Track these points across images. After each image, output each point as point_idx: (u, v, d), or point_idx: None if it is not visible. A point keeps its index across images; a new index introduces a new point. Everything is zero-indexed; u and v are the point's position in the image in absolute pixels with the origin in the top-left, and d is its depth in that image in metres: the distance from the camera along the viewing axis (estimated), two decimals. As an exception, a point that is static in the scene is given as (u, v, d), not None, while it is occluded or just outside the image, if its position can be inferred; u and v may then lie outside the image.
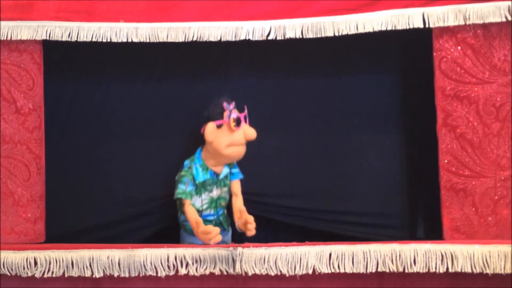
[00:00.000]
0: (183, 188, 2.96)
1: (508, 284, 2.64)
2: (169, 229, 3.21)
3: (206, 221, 3.02)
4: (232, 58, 3.22)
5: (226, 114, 2.94)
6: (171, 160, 3.17)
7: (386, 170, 3.19)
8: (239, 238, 3.07)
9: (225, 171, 3.08)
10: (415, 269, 2.63)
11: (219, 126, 2.94)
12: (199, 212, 3.02)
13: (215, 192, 3.07)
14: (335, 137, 3.23)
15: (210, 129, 2.93)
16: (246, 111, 2.99)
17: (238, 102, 3.24)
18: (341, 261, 2.65)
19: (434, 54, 2.83)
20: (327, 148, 3.23)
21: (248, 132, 2.96)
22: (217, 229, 2.78)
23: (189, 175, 2.99)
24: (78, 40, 2.89)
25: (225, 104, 2.94)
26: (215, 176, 3.05)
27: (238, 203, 3.05)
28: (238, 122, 2.93)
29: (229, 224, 3.17)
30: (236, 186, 3.11)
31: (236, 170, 3.13)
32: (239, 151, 2.99)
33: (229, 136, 2.93)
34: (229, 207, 3.12)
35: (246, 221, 2.90)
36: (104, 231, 3.20)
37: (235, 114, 2.93)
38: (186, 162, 3.05)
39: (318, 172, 3.26)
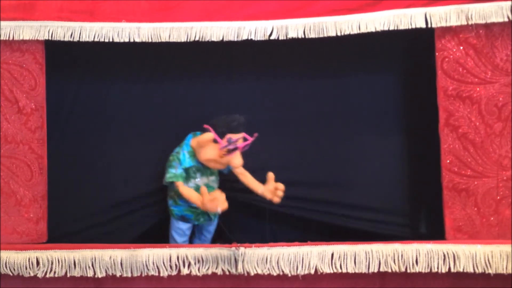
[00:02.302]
0: (173, 172, 2.98)
1: (510, 284, 2.64)
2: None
3: (192, 208, 3.05)
4: (234, 58, 3.22)
5: (225, 140, 2.94)
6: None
7: (389, 170, 3.18)
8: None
9: None
10: (417, 269, 2.63)
11: (215, 141, 2.96)
12: (186, 202, 3.02)
13: (201, 181, 3.07)
14: (338, 137, 3.22)
15: (205, 138, 2.96)
16: (250, 140, 2.97)
17: (238, 103, 3.25)
18: (343, 261, 2.65)
19: (436, 54, 2.82)
20: (330, 149, 3.23)
21: (234, 162, 2.97)
22: (222, 195, 2.81)
23: (177, 159, 3.02)
24: (80, 40, 2.88)
25: (229, 138, 2.93)
26: (200, 164, 3.05)
27: (250, 179, 3.09)
28: (230, 151, 2.94)
29: (216, 214, 3.15)
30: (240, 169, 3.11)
31: None
32: (217, 166, 3.04)
33: (214, 155, 2.97)
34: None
35: (276, 188, 2.97)
36: (106, 231, 3.20)
37: (232, 146, 2.93)
38: (176, 149, 3.07)
39: (320, 172, 3.25)
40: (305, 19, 2.81)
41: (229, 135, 2.93)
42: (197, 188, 3.01)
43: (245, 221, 3.30)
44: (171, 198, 3.09)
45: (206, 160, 2.99)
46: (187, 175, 3.04)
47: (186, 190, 2.97)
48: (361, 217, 3.20)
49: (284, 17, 2.82)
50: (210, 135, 2.95)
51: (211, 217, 3.14)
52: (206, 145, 2.97)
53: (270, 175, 3.00)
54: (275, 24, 2.82)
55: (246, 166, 3.12)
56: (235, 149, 2.94)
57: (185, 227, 3.11)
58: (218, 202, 2.80)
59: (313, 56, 3.18)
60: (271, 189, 3.00)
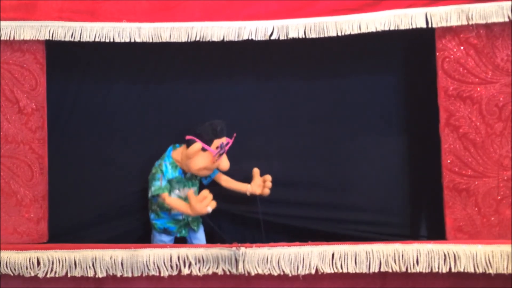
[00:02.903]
0: (158, 184, 3.02)
1: (510, 284, 2.64)
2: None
3: (175, 220, 3.11)
4: (235, 58, 3.21)
5: (216, 146, 3.00)
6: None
7: (389, 170, 3.18)
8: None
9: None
10: (418, 269, 2.63)
11: (203, 149, 3.00)
12: (168, 211, 3.07)
13: (183, 192, 3.09)
14: (338, 137, 3.22)
15: (195, 148, 2.98)
16: (232, 140, 3.04)
17: (240, 103, 3.25)
18: (344, 261, 2.65)
19: (437, 54, 2.82)
20: (330, 149, 3.23)
21: (223, 165, 3.03)
22: (210, 194, 2.88)
23: (160, 171, 3.05)
24: (81, 40, 2.88)
25: (221, 143, 2.99)
26: (183, 175, 3.10)
27: (233, 182, 3.19)
28: (220, 155, 3.01)
29: (199, 223, 3.20)
30: (220, 175, 3.20)
31: None
32: (206, 173, 3.10)
33: (207, 162, 3.01)
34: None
35: (265, 179, 3.10)
36: (107, 231, 3.20)
37: (222, 150, 3.00)
38: (157, 162, 3.11)
39: (320, 173, 3.25)
40: (306, 19, 2.81)
41: (219, 141, 3.00)
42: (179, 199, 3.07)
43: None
44: (153, 211, 3.12)
45: (198, 169, 3.03)
46: (170, 186, 3.07)
47: (172, 200, 3.01)
48: (361, 217, 3.20)
49: (284, 17, 2.81)
50: (198, 145, 2.98)
51: (193, 228, 3.16)
52: (195, 155, 3.00)
53: (255, 171, 3.13)
54: (275, 24, 2.82)
55: (246, 166, 3.12)
56: (223, 152, 3.00)
57: (167, 239, 3.13)
58: (207, 201, 2.86)
59: (313, 56, 3.18)
60: (259, 184, 3.12)
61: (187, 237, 3.20)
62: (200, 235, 3.22)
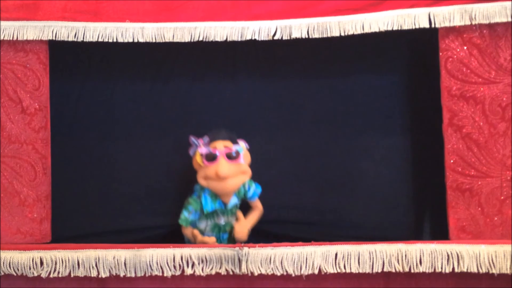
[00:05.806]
0: (186, 216, 3.02)
1: (513, 284, 2.65)
2: (175, 228, 3.21)
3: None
4: (238, 58, 3.22)
5: (192, 148, 2.98)
6: (177, 160, 3.18)
7: (392, 170, 3.18)
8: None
9: (233, 201, 3.05)
10: (421, 269, 2.62)
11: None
12: (202, 232, 3.05)
13: (222, 220, 3.07)
14: (340, 137, 3.22)
15: (194, 161, 2.99)
16: (233, 147, 2.95)
17: (243, 103, 3.25)
18: (347, 261, 2.65)
19: (440, 54, 2.82)
20: (332, 149, 3.23)
21: (218, 169, 2.89)
22: (212, 239, 2.89)
23: (196, 204, 3.01)
24: (84, 40, 2.88)
25: (191, 139, 2.96)
26: (223, 206, 3.04)
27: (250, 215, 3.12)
28: (210, 158, 2.92)
29: None
30: (255, 203, 3.14)
31: (251, 191, 3.11)
32: (218, 186, 2.96)
33: (203, 168, 2.95)
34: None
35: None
36: (110, 231, 3.20)
37: (204, 149, 2.93)
38: (197, 187, 3.05)
39: (322, 172, 3.25)
40: (309, 19, 2.81)
41: (190, 141, 2.97)
42: (215, 226, 3.07)
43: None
44: None
45: (202, 181, 2.96)
46: (210, 216, 3.04)
47: (187, 232, 3.04)
48: (364, 217, 3.20)
49: (288, 17, 2.81)
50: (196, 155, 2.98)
51: None
52: (198, 168, 2.98)
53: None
54: (278, 24, 2.82)
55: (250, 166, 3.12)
56: (214, 157, 2.91)
57: None
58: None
59: (316, 56, 3.18)
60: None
61: None
62: None
